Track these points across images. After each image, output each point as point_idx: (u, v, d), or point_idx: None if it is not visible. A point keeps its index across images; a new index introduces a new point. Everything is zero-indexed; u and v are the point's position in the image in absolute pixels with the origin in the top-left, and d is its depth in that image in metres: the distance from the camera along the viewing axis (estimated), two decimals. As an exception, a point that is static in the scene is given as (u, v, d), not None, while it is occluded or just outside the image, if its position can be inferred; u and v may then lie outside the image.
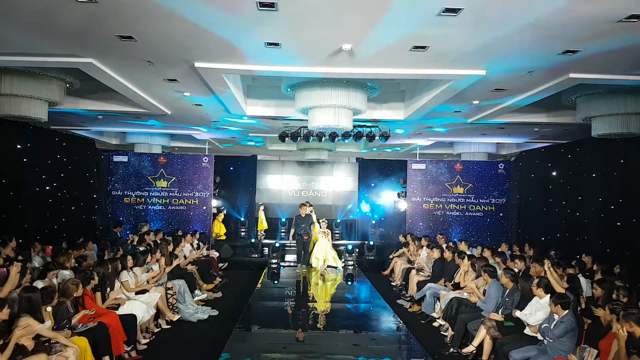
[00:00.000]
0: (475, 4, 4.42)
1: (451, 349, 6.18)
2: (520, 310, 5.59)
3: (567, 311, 4.80)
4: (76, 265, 6.74)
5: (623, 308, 4.37)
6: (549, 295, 5.32)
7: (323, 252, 11.74)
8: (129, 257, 6.98)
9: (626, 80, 6.72)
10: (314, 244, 12.29)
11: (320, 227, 12.06)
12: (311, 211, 12.41)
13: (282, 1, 4.46)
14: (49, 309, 4.74)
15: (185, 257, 9.47)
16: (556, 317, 4.89)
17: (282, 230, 16.15)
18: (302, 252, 11.76)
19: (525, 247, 9.78)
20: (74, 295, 5.19)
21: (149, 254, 7.53)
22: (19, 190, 9.12)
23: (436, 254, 8.83)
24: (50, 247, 8.13)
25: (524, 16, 4.67)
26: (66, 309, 5.05)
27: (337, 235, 16.81)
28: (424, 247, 10.29)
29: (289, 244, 13.56)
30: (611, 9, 4.43)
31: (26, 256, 7.01)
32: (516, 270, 6.95)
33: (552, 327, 4.81)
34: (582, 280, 6.70)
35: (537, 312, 5.35)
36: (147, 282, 7.04)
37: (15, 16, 4.99)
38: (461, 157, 14.86)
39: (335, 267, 11.69)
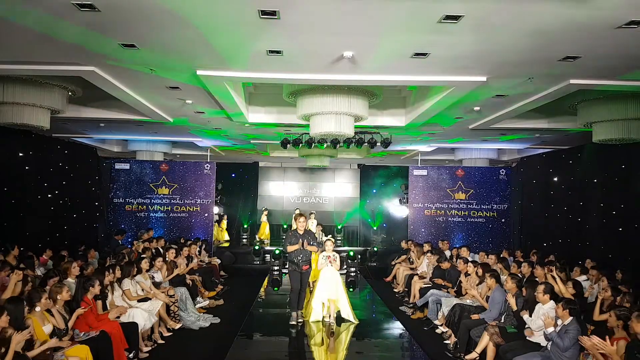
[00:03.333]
0: (476, 11, 4.44)
1: (454, 356, 6.15)
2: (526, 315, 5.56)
3: (572, 318, 4.77)
4: (80, 273, 6.72)
5: (638, 309, 4.37)
6: (552, 302, 5.31)
7: (331, 292, 7.13)
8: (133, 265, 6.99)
9: (627, 85, 6.73)
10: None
11: (325, 250, 7.55)
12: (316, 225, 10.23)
13: (283, 9, 4.49)
14: (38, 308, 4.74)
15: (187, 265, 9.45)
16: (560, 322, 4.86)
17: (284, 237, 16.12)
18: (299, 291, 7.18)
19: (531, 253, 9.75)
20: (59, 298, 5.15)
21: (150, 262, 7.54)
22: (21, 198, 9.14)
23: (445, 265, 8.82)
24: (43, 256, 8.11)
25: (524, 23, 4.69)
26: (57, 313, 5.05)
27: (339, 241, 16.77)
28: (426, 254, 10.27)
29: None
30: (611, 16, 4.45)
31: (30, 264, 7.01)
32: (520, 276, 6.92)
33: (557, 331, 4.77)
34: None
35: (539, 318, 5.32)
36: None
37: (18, 25, 5.03)
38: (462, 163, 14.89)
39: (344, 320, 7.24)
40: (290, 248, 7.11)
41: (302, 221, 7.19)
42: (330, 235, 7.97)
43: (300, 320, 7.15)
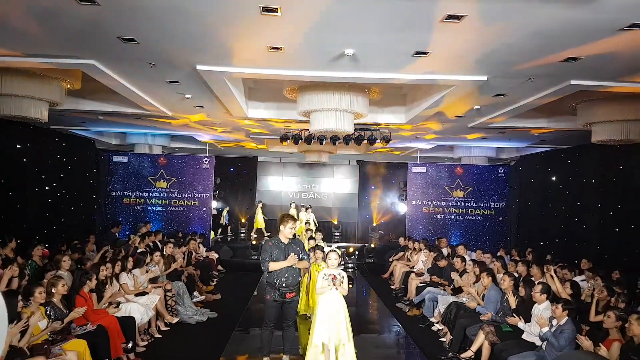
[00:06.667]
0: (478, 12, 4.44)
1: (449, 354, 6.19)
2: (519, 316, 5.58)
3: (567, 318, 4.80)
4: (78, 266, 6.72)
5: (632, 310, 4.40)
6: (547, 302, 5.34)
7: (335, 330, 4.83)
8: (130, 259, 7.00)
9: (626, 87, 6.73)
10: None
11: (328, 264, 5.11)
12: (307, 226, 8.85)
13: (284, 6, 4.47)
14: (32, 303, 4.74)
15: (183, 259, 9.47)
16: (554, 322, 4.89)
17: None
18: (276, 327, 5.25)
19: (527, 252, 9.80)
20: (54, 291, 5.15)
21: (148, 255, 7.54)
22: (18, 190, 9.12)
23: (443, 262, 8.85)
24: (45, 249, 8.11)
25: (527, 24, 4.69)
26: (54, 306, 5.05)
27: (337, 237, 16.80)
28: (422, 251, 10.30)
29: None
30: (613, 18, 4.44)
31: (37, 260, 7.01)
32: (516, 275, 6.96)
33: (552, 331, 4.81)
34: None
35: (535, 323, 5.32)
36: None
37: (17, 17, 5.00)
38: (461, 160, 14.90)
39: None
40: (273, 266, 4.90)
41: (291, 226, 5.07)
42: (340, 258, 4.86)
43: None
